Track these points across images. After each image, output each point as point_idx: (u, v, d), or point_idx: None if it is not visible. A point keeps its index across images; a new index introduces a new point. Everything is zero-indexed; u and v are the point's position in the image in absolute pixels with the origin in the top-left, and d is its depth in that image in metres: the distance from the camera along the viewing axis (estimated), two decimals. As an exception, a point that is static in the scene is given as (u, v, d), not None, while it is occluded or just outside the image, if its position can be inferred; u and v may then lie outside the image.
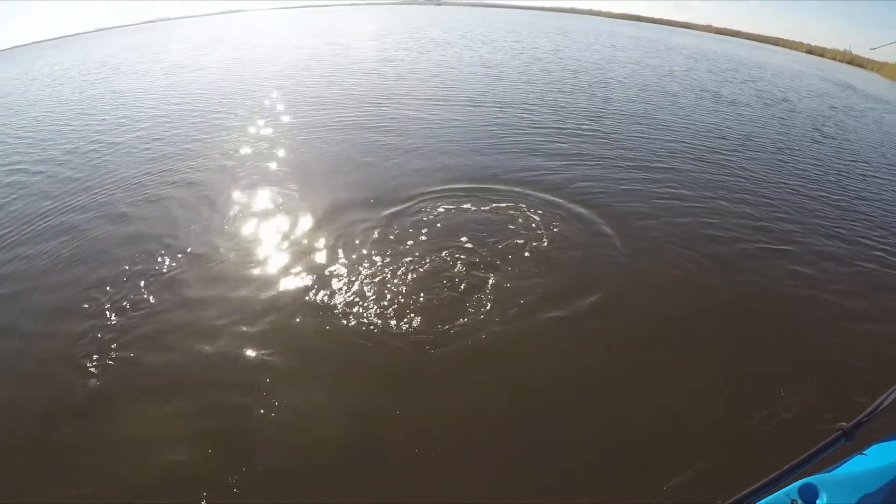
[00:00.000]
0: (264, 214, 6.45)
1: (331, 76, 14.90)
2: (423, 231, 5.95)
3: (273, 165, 8.04)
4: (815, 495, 1.89)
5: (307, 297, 4.82)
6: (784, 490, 1.88)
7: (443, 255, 5.49)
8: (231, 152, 8.67)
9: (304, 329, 4.43)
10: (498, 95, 12.79)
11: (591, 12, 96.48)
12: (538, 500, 3.13)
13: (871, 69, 45.88)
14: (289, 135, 9.59)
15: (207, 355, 4.22)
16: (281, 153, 8.56)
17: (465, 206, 6.59)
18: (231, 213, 6.46)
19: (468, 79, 14.59)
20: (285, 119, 10.50)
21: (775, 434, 3.50)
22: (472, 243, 5.68)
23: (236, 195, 6.96)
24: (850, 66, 47.19)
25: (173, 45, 29.50)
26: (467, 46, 22.56)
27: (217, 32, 35.82)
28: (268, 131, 9.89)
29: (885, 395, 2.28)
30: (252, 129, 10.07)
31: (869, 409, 2.22)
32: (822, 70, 34.78)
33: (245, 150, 8.85)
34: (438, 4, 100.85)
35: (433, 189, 7.06)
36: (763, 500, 1.82)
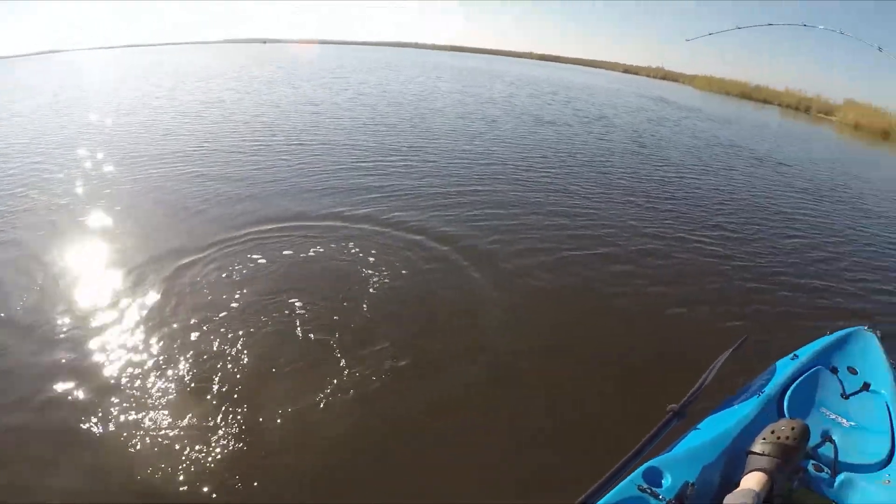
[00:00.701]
0: (94, 273, 5.74)
1: (155, 120, 13.86)
2: (259, 278, 5.48)
3: (96, 218, 7.14)
4: (660, 476, 2.04)
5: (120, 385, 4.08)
6: (629, 478, 2.00)
7: (279, 308, 4.99)
8: (54, 206, 7.71)
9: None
10: (322, 133, 12.46)
11: (416, 45, 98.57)
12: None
13: (684, 82, 50.25)
14: (114, 183, 8.64)
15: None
16: (105, 204, 7.63)
17: (297, 247, 6.21)
18: (54, 275, 5.69)
19: (293, 118, 14.21)
20: (109, 168, 9.50)
21: (613, 426, 3.58)
22: (310, 290, 5.26)
23: (57, 254, 6.13)
24: (664, 81, 51.21)
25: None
26: (293, 85, 22.09)
27: (33, 75, 32.97)
28: (91, 182, 8.89)
29: (707, 372, 2.74)
30: (74, 181, 9.06)
31: (694, 388, 2.61)
32: (638, 87, 38.03)
33: (65, 202, 7.89)
34: (265, 42, 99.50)
35: (263, 229, 6.68)
36: (612, 492, 1.93)
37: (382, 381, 3.97)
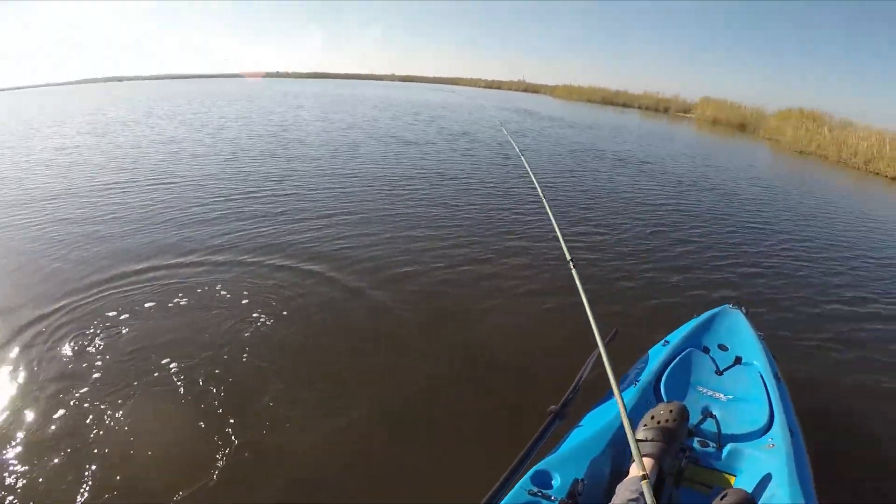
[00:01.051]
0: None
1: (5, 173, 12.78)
2: (122, 340, 4.90)
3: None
4: (549, 478, 2.05)
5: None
6: (519, 484, 2.00)
7: (148, 372, 4.43)
8: None
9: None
10: (183, 171, 11.80)
11: (278, 74, 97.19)
12: None
13: (545, 93, 51.79)
14: None
15: None
16: None
17: (160, 296, 5.72)
18: None
19: (151, 158, 13.39)
20: None
21: (498, 437, 3.54)
22: (182, 347, 4.77)
23: None
24: (526, 93, 52.43)
25: None
26: (151, 124, 20.94)
27: None
28: None
29: (581, 371, 2.82)
30: None
31: (572, 387, 2.70)
32: (501, 101, 38.55)
33: None
34: (121, 81, 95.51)
35: (120, 281, 6.10)
36: (503, 501, 1.92)
37: (278, 435, 3.70)
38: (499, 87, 61.42)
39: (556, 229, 3.44)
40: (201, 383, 4.25)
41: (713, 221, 8.98)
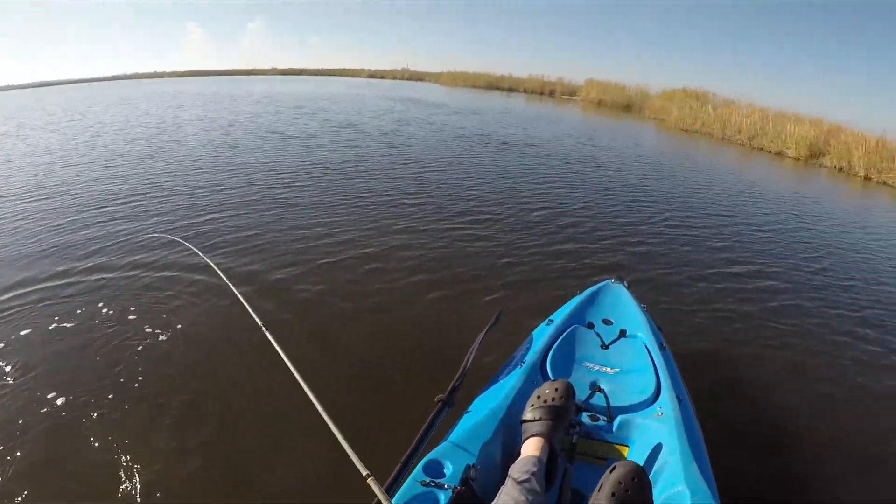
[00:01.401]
0: None
1: None
2: None
3: None
4: (441, 466, 2.03)
5: None
6: (411, 476, 1.99)
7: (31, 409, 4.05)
8: None
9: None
10: (56, 182, 11.08)
11: (155, 74, 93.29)
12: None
13: (430, 80, 52.03)
14: None
15: None
16: None
17: (33, 321, 5.30)
18: None
19: (25, 171, 12.57)
20: None
21: (385, 431, 3.45)
22: (67, 377, 4.40)
23: None
24: (411, 82, 52.28)
25: None
26: (21, 136, 19.66)
27: None
28: None
29: (467, 357, 2.81)
30: None
31: (458, 374, 2.69)
32: (384, 91, 38.69)
33: None
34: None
35: None
36: (397, 495, 1.89)
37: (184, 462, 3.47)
38: (382, 77, 61.07)
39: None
40: (97, 413, 3.93)
41: (598, 200, 9.18)
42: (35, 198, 9.92)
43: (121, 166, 12.39)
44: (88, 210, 8.70)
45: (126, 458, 3.42)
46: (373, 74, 63.84)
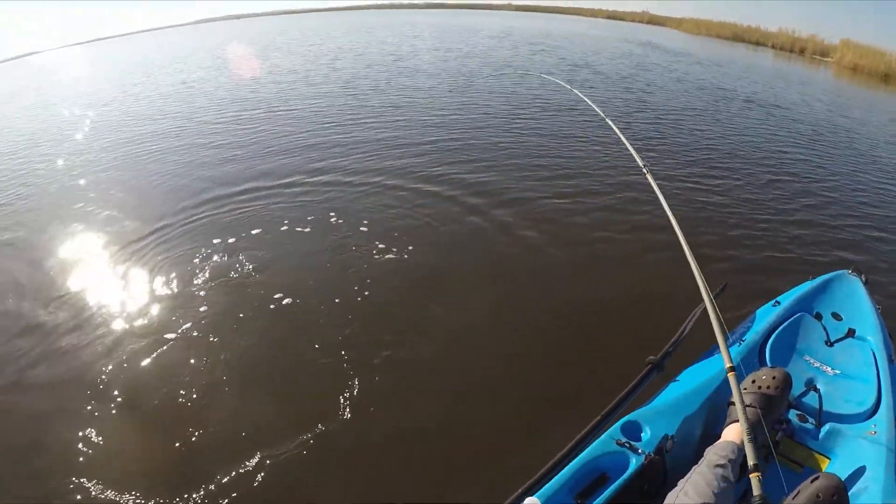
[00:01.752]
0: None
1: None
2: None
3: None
4: (639, 430, 2.06)
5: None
6: (607, 432, 2.02)
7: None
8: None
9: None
10: (300, 98, 12.80)
11: (392, 6, 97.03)
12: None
13: (671, 26, 49.27)
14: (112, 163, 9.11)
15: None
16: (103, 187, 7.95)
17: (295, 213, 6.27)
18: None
19: (270, 89, 14.38)
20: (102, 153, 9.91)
21: (592, 380, 3.58)
22: (299, 282, 4.97)
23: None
24: (650, 26, 50.23)
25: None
26: (268, 57, 21.58)
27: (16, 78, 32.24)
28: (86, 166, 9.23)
29: (685, 325, 2.78)
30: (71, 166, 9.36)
31: (673, 340, 2.66)
32: (622, 33, 37.14)
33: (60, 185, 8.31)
34: (238, 18, 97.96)
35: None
36: (591, 447, 1.94)
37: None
38: (621, 19, 59.03)
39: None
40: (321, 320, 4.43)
41: (845, 179, 8.30)
42: (280, 113, 11.40)
43: (359, 88, 13.56)
44: (325, 127, 9.81)
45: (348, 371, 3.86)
46: (611, 15, 61.65)
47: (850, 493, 1.75)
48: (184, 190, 7.31)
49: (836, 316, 2.95)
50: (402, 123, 10.02)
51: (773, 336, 2.71)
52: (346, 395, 3.63)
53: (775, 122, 11.60)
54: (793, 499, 1.63)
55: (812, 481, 1.66)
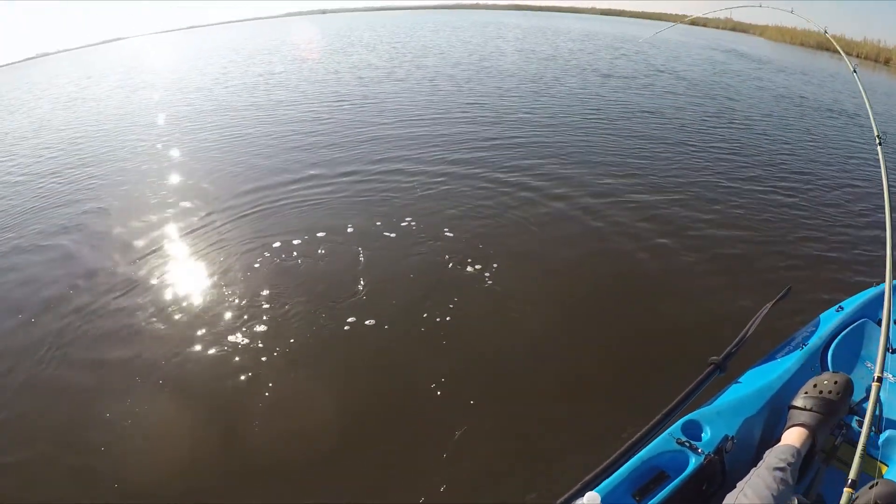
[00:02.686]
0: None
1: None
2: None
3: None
4: (699, 429, 2.10)
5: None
6: (668, 430, 2.07)
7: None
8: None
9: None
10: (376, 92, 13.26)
11: (475, 6, 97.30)
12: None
13: (755, 33, 48.18)
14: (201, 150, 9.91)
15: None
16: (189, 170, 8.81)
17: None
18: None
19: (349, 83, 15.32)
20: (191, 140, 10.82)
21: (655, 378, 3.63)
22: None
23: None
24: (734, 33, 49.41)
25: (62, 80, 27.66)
26: (349, 52, 22.50)
27: (112, 60, 33.74)
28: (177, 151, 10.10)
29: (749, 324, 2.74)
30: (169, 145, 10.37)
31: (736, 340, 2.63)
32: (706, 40, 37.18)
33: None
34: (324, 13, 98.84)
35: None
36: (651, 444, 2.00)
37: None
38: (704, 25, 58.12)
39: None
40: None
41: None
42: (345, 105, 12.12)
43: (442, 86, 14.22)
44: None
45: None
46: (694, 21, 60.58)
47: None
48: (274, 174, 8.03)
49: None
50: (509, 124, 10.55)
51: (836, 341, 2.70)
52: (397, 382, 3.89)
53: (855, 131, 11.59)
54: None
55: (871, 487, 1.70)
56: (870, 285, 3.30)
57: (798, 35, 42.74)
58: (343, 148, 9.21)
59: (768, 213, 6.59)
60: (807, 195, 7.30)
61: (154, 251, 6.01)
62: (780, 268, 5.29)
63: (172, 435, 3.55)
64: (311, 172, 8.03)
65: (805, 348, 2.63)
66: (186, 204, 7.29)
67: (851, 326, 2.81)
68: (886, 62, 34.62)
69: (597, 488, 1.78)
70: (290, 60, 22.64)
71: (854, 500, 1.61)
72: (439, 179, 7.53)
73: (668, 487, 1.88)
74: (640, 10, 72.33)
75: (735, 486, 1.81)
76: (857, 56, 36.85)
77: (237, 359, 4.15)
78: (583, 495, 1.72)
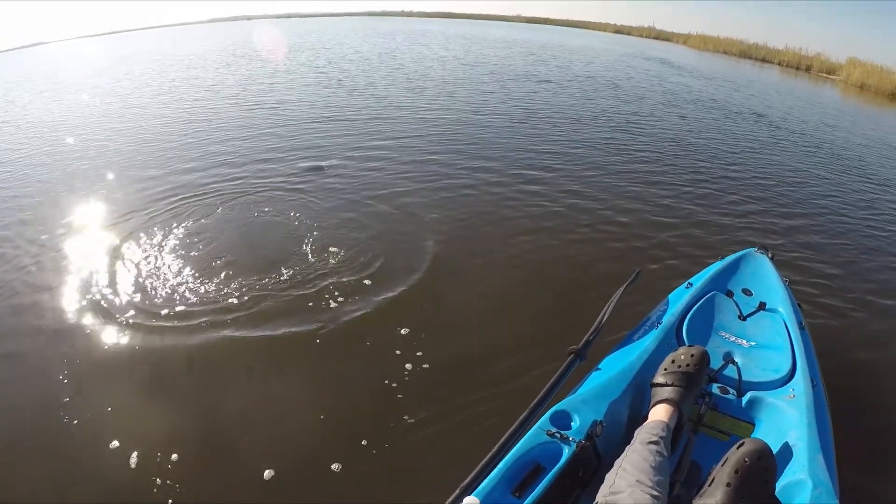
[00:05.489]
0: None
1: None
2: None
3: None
4: (568, 419, 2.09)
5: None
6: (537, 424, 2.04)
7: None
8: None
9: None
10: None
11: (402, 13, 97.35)
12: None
13: (677, 41, 49.40)
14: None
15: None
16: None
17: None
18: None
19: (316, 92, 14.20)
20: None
21: (518, 375, 3.60)
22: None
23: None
24: (658, 41, 50.46)
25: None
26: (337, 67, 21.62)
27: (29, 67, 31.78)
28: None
29: (603, 311, 2.79)
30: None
31: (592, 328, 2.67)
32: (634, 48, 37.28)
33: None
34: (249, 19, 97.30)
35: None
36: (522, 440, 1.96)
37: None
38: (628, 33, 59.01)
39: None
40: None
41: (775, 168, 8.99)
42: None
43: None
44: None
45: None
46: (619, 30, 61.85)
47: (776, 454, 1.85)
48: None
49: (746, 292, 3.11)
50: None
51: (689, 316, 2.83)
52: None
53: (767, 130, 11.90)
54: (721, 466, 1.72)
55: (738, 447, 1.74)
56: (715, 260, 3.54)
57: (721, 43, 43.85)
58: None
59: (618, 201, 6.79)
60: (662, 182, 7.66)
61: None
62: (629, 253, 5.44)
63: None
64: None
65: (660, 326, 2.72)
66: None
67: (702, 300, 2.96)
68: (808, 69, 35.72)
69: (475, 492, 1.77)
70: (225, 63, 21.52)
71: (725, 462, 1.71)
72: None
73: (545, 479, 1.87)
74: (563, 19, 73.68)
75: (612, 467, 1.84)
76: (780, 64, 37.99)
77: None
78: (461, 501, 1.70)
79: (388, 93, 13.95)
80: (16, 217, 6.50)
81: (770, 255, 3.55)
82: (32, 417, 3.43)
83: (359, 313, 4.29)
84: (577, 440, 1.96)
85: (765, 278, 3.26)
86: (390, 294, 4.55)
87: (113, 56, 31.21)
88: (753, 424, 2.26)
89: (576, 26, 68.26)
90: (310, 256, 5.15)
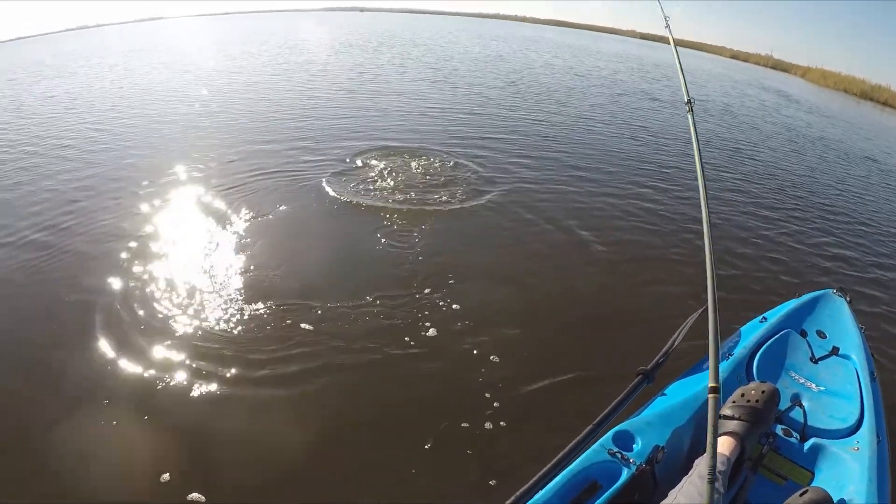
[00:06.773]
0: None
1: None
2: None
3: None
4: (631, 440, 2.10)
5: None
6: (599, 441, 2.07)
7: None
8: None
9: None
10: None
11: (516, 18, 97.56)
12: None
13: (795, 73, 47.63)
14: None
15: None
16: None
17: None
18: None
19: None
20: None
21: (584, 390, 3.71)
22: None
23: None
24: (774, 71, 48.76)
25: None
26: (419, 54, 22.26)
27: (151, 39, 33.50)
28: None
29: (675, 335, 2.82)
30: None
31: (663, 351, 2.70)
32: (751, 76, 36.16)
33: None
34: (362, 11, 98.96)
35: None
36: (582, 456, 2.00)
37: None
38: (745, 60, 57.67)
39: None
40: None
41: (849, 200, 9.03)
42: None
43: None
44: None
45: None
46: (735, 55, 60.61)
47: None
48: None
49: (820, 334, 3.02)
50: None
51: (761, 351, 2.78)
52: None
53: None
54: None
55: (801, 494, 1.75)
56: (792, 297, 3.45)
57: (841, 81, 41.69)
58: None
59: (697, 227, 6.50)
60: (737, 209, 7.71)
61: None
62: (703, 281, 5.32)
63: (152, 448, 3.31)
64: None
65: (731, 359, 2.69)
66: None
67: (775, 337, 2.90)
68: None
69: (529, 502, 1.81)
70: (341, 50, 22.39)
71: None
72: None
73: (601, 498, 1.88)
74: (679, 38, 72.34)
75: (667, 496, 1.85)
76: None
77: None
78: None
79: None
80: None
81: (848, 299, 3.41)
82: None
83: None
84: (638, 463, 1.98)
85: (841, 322, 3.15)
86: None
87: (229, 37, 32.47)
88: (812, 473, 2.20)
89: (690, 47, 66.92)
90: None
